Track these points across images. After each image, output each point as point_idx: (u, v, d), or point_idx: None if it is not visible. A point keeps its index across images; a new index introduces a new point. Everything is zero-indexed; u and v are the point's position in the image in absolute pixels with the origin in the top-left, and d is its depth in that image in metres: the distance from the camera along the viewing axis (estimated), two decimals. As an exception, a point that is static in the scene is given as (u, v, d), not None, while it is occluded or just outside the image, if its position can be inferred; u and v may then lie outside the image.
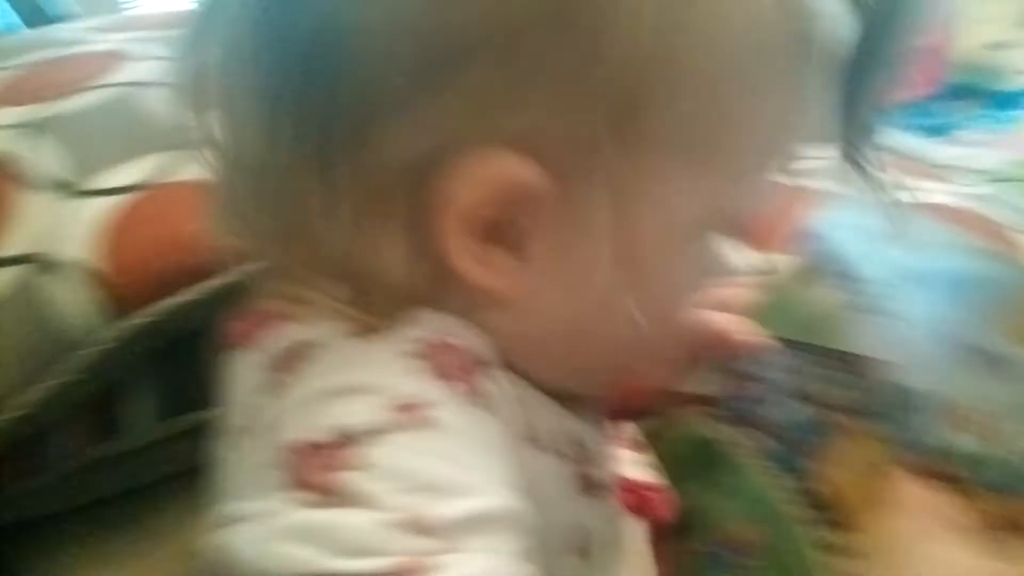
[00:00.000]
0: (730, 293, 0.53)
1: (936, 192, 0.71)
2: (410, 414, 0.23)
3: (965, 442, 0.39)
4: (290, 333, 0.27)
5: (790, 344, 0.50)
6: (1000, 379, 0.42)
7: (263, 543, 0.21)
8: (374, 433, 0.23)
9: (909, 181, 0.75)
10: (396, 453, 0.22)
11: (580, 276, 0.28)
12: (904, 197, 0.71)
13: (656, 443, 0.51)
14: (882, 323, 0.47)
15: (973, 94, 2.74)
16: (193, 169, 0.56)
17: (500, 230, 0.26)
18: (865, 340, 0.47)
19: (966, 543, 0.35)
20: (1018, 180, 2.12)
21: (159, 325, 0.51)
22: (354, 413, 0.23)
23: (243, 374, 0.27)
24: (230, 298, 0.55)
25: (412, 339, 0.26)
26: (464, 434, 0.24)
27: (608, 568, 0.36)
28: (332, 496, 0.21)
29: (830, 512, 0.41)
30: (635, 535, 0.40)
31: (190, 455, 0.62)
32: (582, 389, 0.34)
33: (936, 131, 2.48)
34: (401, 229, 0.26)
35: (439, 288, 0.26)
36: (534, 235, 0.26)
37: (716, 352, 0.51)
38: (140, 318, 0.50)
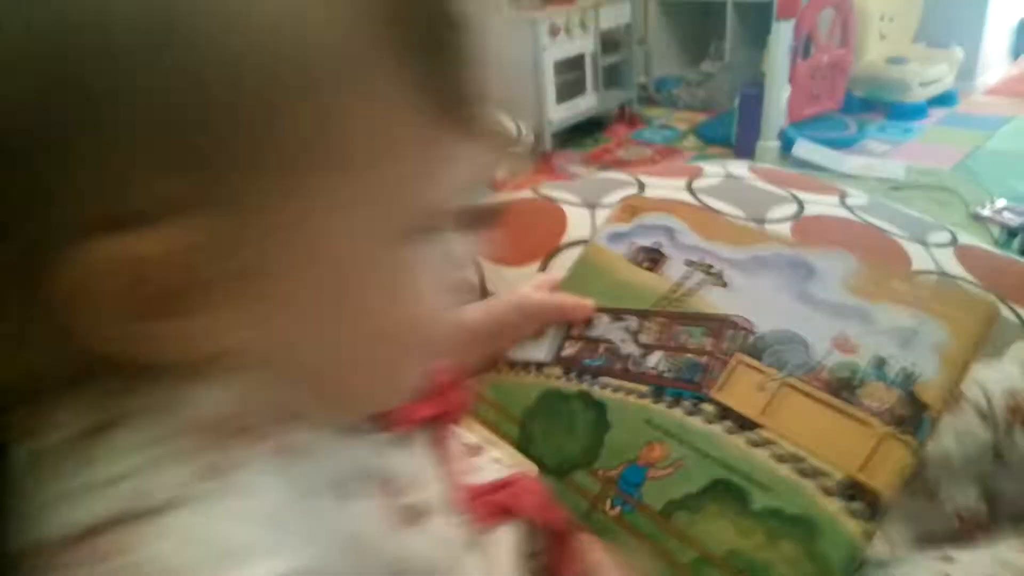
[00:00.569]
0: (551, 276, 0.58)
1: (825, 203, 0.73)
2: (210, 482, 0.22)
3: (835, 359, 0.45)
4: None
5: (617, 311, 0.54)
6: (833, 314, 0.47)
7: None
8: (169, 506, 0.22)
9: (800, 193, 0.77)
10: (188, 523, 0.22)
11: (302, 314, 0.27)
12: (792, 208, 0.75)
13: (494, 408, 0.52)
14: (722, 291, 0.51)
15: (877, 107, 2.87)
16: None
17: (183, 298, 0.24)
18: (711, 304, 0.50)
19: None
20: (919, 187, 2.23)
21: None
22: (159, 482, 0.22)
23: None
24: None
25: (195, 417, 0.25)
26: (260, 495, 0.23)
27: None
28: None
29: (733, 417, 0.45)
30: (499, 544, 0.39)
31: None
32: (377, 409, 0.33)
33: (843, 143, 2.59)
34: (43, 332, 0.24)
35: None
36: (225, 290, 0.25)
37: (557, 321, 0.54)
38: None
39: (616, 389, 0.50)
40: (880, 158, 2.46)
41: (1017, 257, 0.71)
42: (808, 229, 0.68)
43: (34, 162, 0.22)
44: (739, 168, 0.81)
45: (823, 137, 2.53)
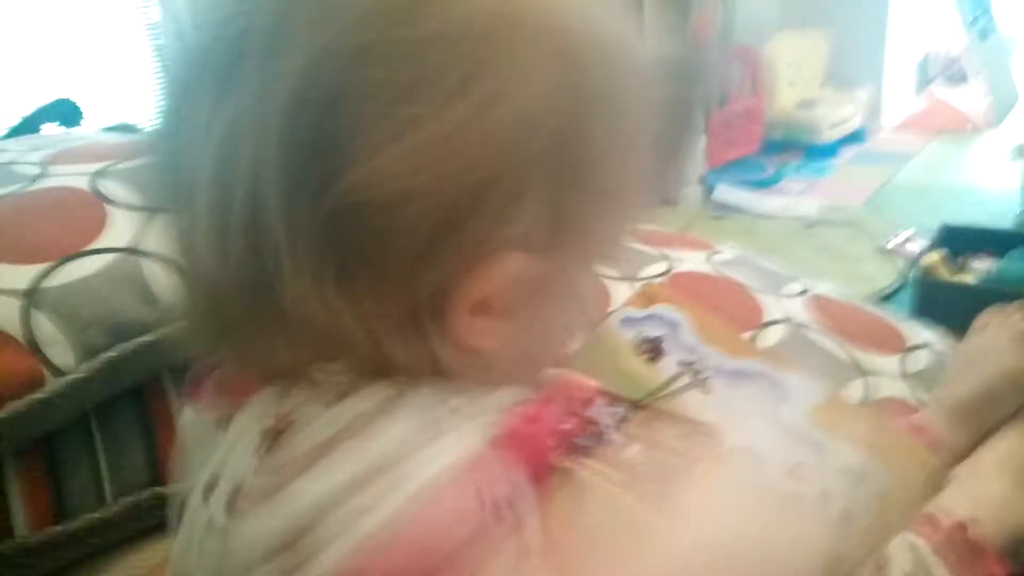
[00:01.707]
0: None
1: (692, 260, 0.80)
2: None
3: None
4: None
5: (613, 396, 0.56)
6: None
7: None
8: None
9: (671, 251, 0.84)
10: None
11: (553, 318, 0.35)
12: (661, 266, 0.82)
13: None
14: (703, 398, 0.55)
15: (793, 148, 3.03)
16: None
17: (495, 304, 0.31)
18: (691, 408, 0.54)
19: None
20: (831, 223, 2.36)
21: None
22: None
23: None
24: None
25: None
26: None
27: None
28: None
29: None
30: None
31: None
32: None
33: (764, 183, 2.73)
34: (418, 329, 0.30)
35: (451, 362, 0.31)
36: (520, 301, 0.32)
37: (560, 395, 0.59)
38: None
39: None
40: (796, 197, 2.60)
41: (861, 306, 0.79)
42: (675, 284, 0.75)
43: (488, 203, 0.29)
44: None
45: (744, 180, 2.66)
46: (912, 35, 3.34)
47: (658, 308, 0.62)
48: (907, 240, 2.11)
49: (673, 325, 0.60)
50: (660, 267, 0.78)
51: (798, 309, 0.73)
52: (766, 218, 2.41)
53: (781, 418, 0.51)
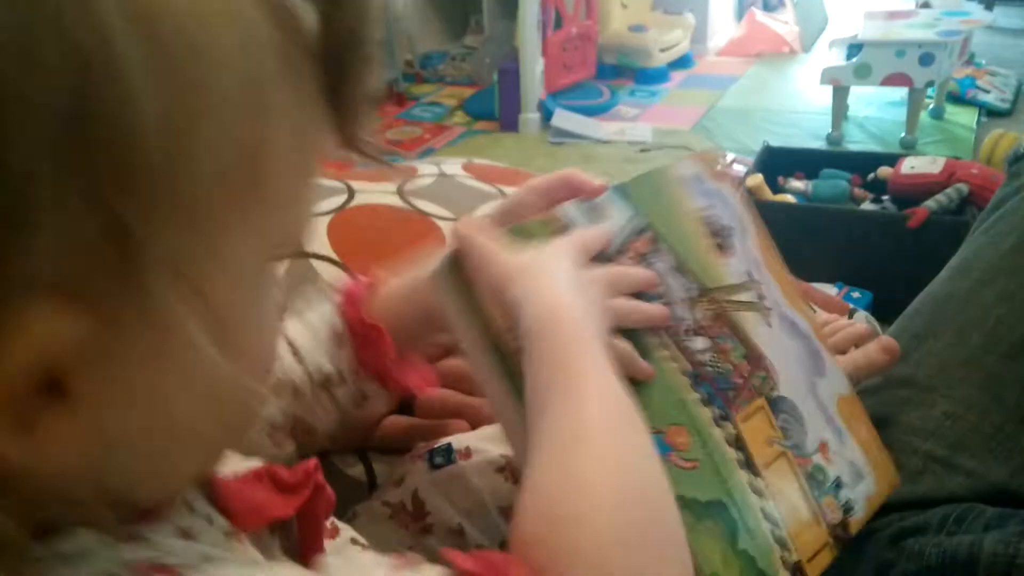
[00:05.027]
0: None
1: (379, 192, 0.73)
2: None
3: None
4: None
5: (683, 266, 0.48)
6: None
7: None
8: None
9: (352, 183, 0.77)
10: None
11: (177, 376, 0.25)
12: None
13: None
14: (762, 325, 0.50)
15: (626, 73, 3.07)
16: None
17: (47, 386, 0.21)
18: (755, 333, 0.49)
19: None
20: (664, 148, 2.42)
21: None
22: None
23: None
24: None
25: None
26: None
27: None
28: None
29: (745, 453, 0.46)
30: None
31: None
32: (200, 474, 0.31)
33: (599, 109, 2.74)
34: None
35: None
36: (89, 371, 0.22)
37: (568, 194, 0.49)
38: None
39: (663, 347, 0.45)
40: (631, 122, 2.64)
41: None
42: (348, 218, 0.68)
43: None
44: (453, 166, 0.82)
45: (580, 105, 2.66)
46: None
47: (726, 192, 0.53)
48: (732, 162, 2.20)
49: (743, 226, 0.52)
50: (338, 200, 0.72)
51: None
52: (603, 143, 2.43)
53: (819, 392, 0.51)
